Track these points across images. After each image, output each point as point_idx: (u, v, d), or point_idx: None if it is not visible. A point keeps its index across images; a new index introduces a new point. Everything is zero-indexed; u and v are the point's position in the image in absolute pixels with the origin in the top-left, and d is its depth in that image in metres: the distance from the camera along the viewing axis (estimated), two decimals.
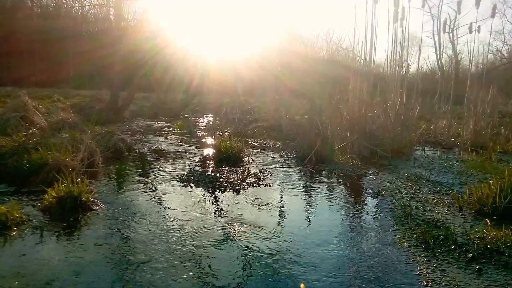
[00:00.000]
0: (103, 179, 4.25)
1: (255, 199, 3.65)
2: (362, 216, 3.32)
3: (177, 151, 6.21)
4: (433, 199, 3.83)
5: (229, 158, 5.32)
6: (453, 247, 2.61)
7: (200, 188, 3.97)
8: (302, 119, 8.64)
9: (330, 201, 3.71)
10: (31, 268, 2.15)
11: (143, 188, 3.91)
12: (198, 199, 3.58)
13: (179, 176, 4.40)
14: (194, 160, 5.44)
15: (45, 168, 3.85)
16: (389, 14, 7.02)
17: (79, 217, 2.96)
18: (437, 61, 32.89)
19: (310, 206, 3.57)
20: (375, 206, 3.61)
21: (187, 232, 2.73)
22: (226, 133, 7.83)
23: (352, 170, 5.18)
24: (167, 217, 3.05)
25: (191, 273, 2.15)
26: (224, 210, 3.27)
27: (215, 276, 2.13)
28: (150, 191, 3.79)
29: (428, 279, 2.17)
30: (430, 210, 3.47)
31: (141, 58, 11.89)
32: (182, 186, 4.02)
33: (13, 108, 6.89)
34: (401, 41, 7.15)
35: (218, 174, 4.51)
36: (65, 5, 26.41)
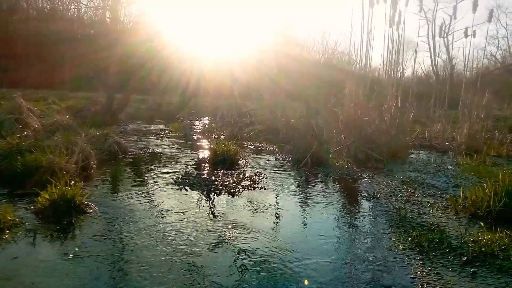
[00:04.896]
0: (98, 182, 4.22)
1: (250, 202, 3.64)
2: (357, 219, 3.32)
3: (173, 154, 6.19)
4: (428, 202, 3.84)
5: (224, 161, 5.31)
6: (447, 250, 2.61)
7: (195, 191, 3.95)
8: (298, 122, 8.65)
9: (326, 204, 3.70)
10: (23, 271, 2.13)
11: (137, 191, 3.89)
12: (193, 202, 3.56)
13: (174, 179, 4.39)
14: (190, 163, 5.42)
15: (39, 171, 3.81)
16: (385, 18, 7.07)
17: (72, 220, 2.94)
18: (432, 65, 33.17)
19: (306, 209, 3.56)
20: (370, 209, 3.61)
21: (181, 235, 2.72)
22: (222, 136, 7.82)
23: (347, 173, 5.18)
24: (161, 220, 3.03)
25: (186, 277, 2.14)
26: (219, 214, 3.26)
27: (210, 280, 2.12)
28: (144, 194, 3.77)
29: (423, 282, 2.17)
30: (425, 213, 3.48)
31: (137, 60, 11.86)
32: (177, 189, 4.01)
33: (8, 110, 6.84)
34: (396, 45, 7.20)
35: (213, 177, 4.50)
36: (60, 8, 26.32)
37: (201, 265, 2.28)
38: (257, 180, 4.51)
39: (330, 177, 4.96)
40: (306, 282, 2.13)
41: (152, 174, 4.69)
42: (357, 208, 3.70)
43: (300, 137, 6.18)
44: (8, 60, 19.83)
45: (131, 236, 2.67)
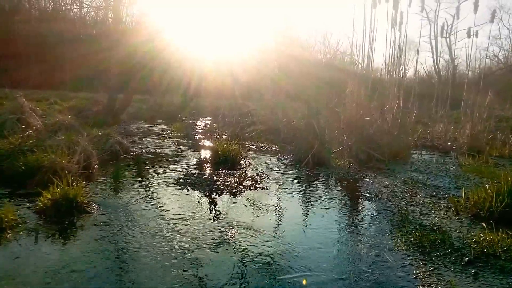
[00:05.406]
0: (99, 182, 4.22)
1: (252, 202, 3.64)
2: (359, 219, 3.31)
3: (174, 154, 6.19)
4: (430, 202, 3.84)
5: (226, 161, 5.31)
6: (449, 251, 2.61)
7: (196, 191, 3.95)
8: (299, 122, 8.65)
9: (327, 204, 3.70)
10: (25, 271, 2.13)
11: (139, 191, 3.89)
12: (194, 202, 3.56)
13: (176, 179, 4.39)
14: (191, 163, 5.42)
15: (41, 170, 3.82)
16: (387, 18, 7.06)
17: (74, 219, 2.94)
18: (434, 66, 33.16)
19: (307, 209, 3.56)
20: (372, 209, 3.60)
21: (183, 236, 2.72)
22: (223, 136, 7.82)
23: (349, 173, 5.18)
24: (163, 220, 3.03)
25: (188, 277, 2.13)
26: (221, 214, 3.26)
27: (211, 280, 2.12)
28: (146, 194, 3.77)
29: (425, 283, 2.17)
30: (426, 213, 3.47)
31: (139, 61, 11.87)
32: (179, 189, 4.01)
33: (10, 110, 6.85)
34: (398, 46, 7.19)
35: (215, 177, 4.50)
36: (63, 8, 26.37)
37: (202, 265, 2.28)
38: (259, 180, 4.51)
39: (332, 177, 4.96)
40: (304, 281, 2.13)
41: (154, 174, 4.69)
42: (358, 208, 3.69)
43: (302, 137, 6.18)
44: (9, 60, 19.89)
45: (132, 236, 2.68)
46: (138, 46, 11.51)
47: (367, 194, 4.14)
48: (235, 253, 2.48)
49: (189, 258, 2.37)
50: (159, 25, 12.80)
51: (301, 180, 4.75)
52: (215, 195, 3.82)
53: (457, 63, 29.37)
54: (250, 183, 4.34)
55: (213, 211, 3.31)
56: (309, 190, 4.27)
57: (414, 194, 4.19)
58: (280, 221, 3.15)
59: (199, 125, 11.29)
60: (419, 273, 2.28)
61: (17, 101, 7.07)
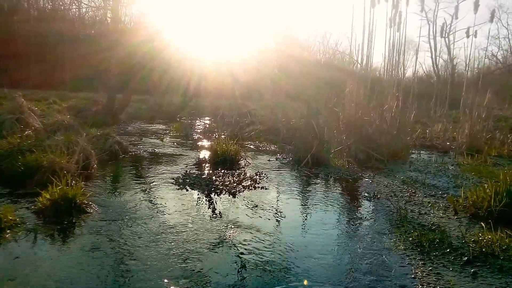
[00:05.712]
0: (98, 182, 4.22)
1: (251, 202, 3.64)
2: (358, 219, 3.32)
3: (173, 154, 6.19)
4: (429, 202, 3.84)
5: (225, 161, 5.31)
6: (448, 250, 2.61)
7: (195, 191, 3.95)
8: (299, 122, 8.65)
9: (326, 204, 3.70)
10: (24, 271, 2.13)
11: (138, 191, 3.89)
12: (193, 202, 3.56)
13: (175, 179, 4.39)
14: (190, 163, 5.42)
15: (40, 170, 3.81)
16: (386, 17, 7.07)
17: (73, 219, 2.94)
18: (433, 65, 33.20)
19: (306, 209, 3.56)
20: (371, 209, 3.61)
21: (182, 236, 2.72)
22: (222, 136, 7.82)
23: (348, 173, 5.18)
24: (161, 220, 3.03)
25: (187, 278, 2.14)
26: (220, 213, 3.26)
27: (210, 281, 2.12)
28: (145, 194, 3.77)
29: (423, 282, 2.17)
30: (425, 213, 3.47)
31: (138, 61, 11.87)
32: (178, 189, 4.01)
33: (9, 110, 6.84)
34: (397, 45, 7.19)
35: (214, 177, 4.50)
36: (62, 8, 26.33)
37: (201, 265, 2.28)
38: (258, 180, 4.51)
39: (331, 177, 4.96)
40: (305, 282, 2.13)
41: (153, 174, 4.69)
42: (357, 208, 3.69)
43: (301, 137, 6.18)
44: (9, 60, 19.87)
45: (131, 237, 2.68)
46: (138, 46, 11.51)
47: (366, 194, 4.14)
48: (234, 254, 2.48)
49: (189, 258, 2.37)
50: (158, 25, 12.80)
51: (300, 180, 4.75)
52: (214, 195, 3.82)
53: (456, 63, 29.39)
54: (249, 183, 4.34)
55: (212, 211, 3.31)
56: (308, 190, 4.27)
57: (413, 193, 4.20)
58: (279, 221, 3.15)
59: (198, 125, 11.29)
60: (417, 272, 2.29)
61: (16, 101, 7.06)
